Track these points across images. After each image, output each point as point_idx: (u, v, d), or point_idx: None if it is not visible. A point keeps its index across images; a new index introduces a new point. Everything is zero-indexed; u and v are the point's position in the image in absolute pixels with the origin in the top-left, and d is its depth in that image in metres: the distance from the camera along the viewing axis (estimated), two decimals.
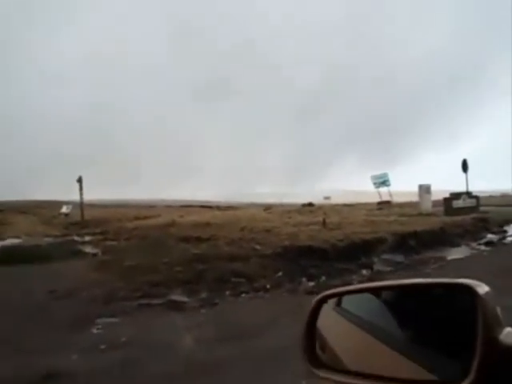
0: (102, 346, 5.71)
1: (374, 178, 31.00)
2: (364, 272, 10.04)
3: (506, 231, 15.07)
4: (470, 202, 19.69)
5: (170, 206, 45.81)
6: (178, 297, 8.40)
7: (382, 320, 0.90)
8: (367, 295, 0.99)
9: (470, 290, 0.73)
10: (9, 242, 17.21)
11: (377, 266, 10.46)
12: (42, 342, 5.89)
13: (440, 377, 0.74)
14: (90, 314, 7.22)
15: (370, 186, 31.50)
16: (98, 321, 6.94)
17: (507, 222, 16.25)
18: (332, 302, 1.10)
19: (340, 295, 1.07)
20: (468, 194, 20.62)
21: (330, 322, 1.06)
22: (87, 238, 18.91)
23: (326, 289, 1.17)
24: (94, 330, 6.55)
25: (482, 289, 0.73)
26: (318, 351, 0.97)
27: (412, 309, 0.89)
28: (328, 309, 1.09)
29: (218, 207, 41.01)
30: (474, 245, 13.00)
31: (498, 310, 0.73)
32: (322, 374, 0.91)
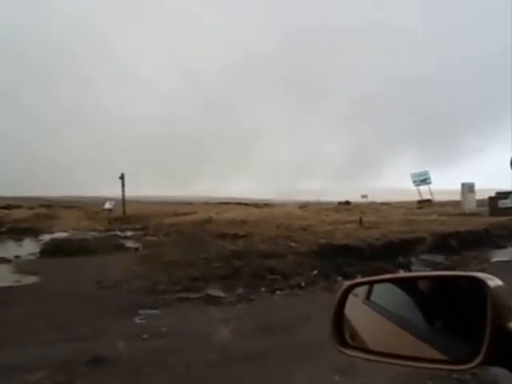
0: (145, 336, 6.04)
1: (414, 175, 30.00)
2: (401, 272, 9.88)
3: None
4: None
5: (207, 203, 46.75)
6: (215, 291, 8.66)
7: (403, 308, 1.00)
8: (390, 287, 1.09)
9: (481, 282, 0.82)
10: (57, 235, 18.35)
11: (414, 266, 10.26)
12: (90, 330, 6.29)
13: (451, 358, 0.85)
14: (133, 304, 7.63)
15: (410, 184, 30.59)
16: (141, 311, 7.31)
17: None
18: (362, 296, 1.21)
19: (365, 284, 1.18)
20: None
21: (359, 312, 1.18)
22: (129, 233, 19.82)
23: None
24: (137, 320, 6.92)
25: (493, 282, 0.82)
26: (346, 334, 1.09)
27: (430, 298, 0.99)
28: (358, 301, 1.21)
29: (255, 204, 41.33)
30: None
31: (509, 301, 0.81)
32: (348, 352, 1.05)
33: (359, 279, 1.17)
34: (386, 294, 1.10)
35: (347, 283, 1.16)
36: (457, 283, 0.93)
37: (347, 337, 1.09)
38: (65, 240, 16.42)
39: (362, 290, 1.20)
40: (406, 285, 1.07)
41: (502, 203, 18.29)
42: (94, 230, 19.98)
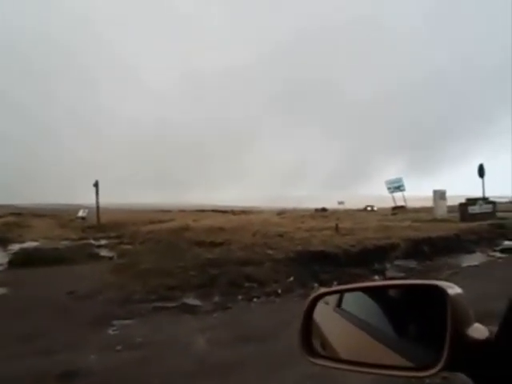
0: (118, 347, 5.89)
1: (388, 182, 30.76)
2: (376, 278, 10.05)
3: None
4: (487, 208, 19.39)
5: (183, 211, 46.33)
6: (191, 300, 8.56)
7: (372, 316, 1.02)
8: (360, 295, 1.12)
9: (441, 290, 0.86)
10: (28, 244, 17.73)
11: (389, 272, 10.45)
12: (61, 342, 6.09)
13: (416, 364, 0.88)
14: (107, 315, 7.43)
15: (385, 191, 31.29)
16: (115, 322, 7.14)
17: None
18: (333, 304, 1.23)
19: (333, 293, 1.20)
20: (484, 199, 20.33)
21: (329, 321, 1.19)
22: (103, 242, 19.35)
23: None
24: (111, 332, 6.75)
25: (453, 290, 0.85)
26: (316, 343, 1.10)
27: (397, 306, 1.03)
28: (329, 310, 1.22)
29: (232, 211, 41.25)
30: (489, 252, 12.84)
31: (469, 308, 0.84)
32: (317, 361, 1.05)
33: (328, 288, 1.18)
34: (356, 302, 1.12)
35: (315, 292, 1.18)
36: (421, 291, 0.96)
37: (317, 346, 1.10)
38: (35, 249, 15.87)
39: (333, 298, 1.22)
40: (374, 293, 1.09)
41: (472, 209, 18.94)
42: (66, 239, 19.41)
